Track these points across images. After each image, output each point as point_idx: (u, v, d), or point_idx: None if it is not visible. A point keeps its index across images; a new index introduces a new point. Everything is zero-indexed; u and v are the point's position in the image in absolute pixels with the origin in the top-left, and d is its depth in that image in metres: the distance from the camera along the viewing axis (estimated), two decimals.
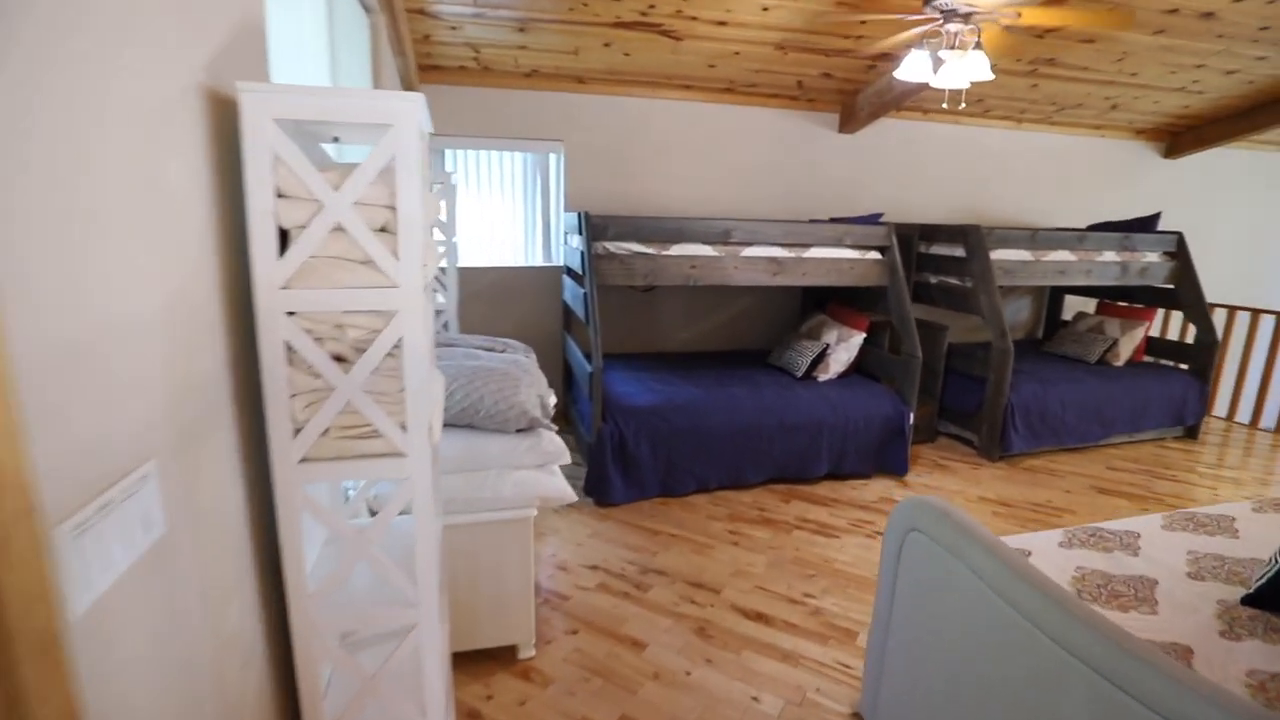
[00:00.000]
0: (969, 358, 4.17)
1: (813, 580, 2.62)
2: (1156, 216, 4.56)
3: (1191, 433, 4.49)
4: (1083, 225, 5.32)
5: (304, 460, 1.11)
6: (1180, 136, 5.46)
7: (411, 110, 1.02)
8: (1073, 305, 5.49)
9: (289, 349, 1.06)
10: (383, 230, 1.08)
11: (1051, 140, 5.24)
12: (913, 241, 4.39)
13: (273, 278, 1.02)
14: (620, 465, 3.20)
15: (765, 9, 3.21)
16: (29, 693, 0.56)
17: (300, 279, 1.04)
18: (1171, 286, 4.57)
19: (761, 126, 4.54)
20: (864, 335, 3.88)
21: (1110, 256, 4.32)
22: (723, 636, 2.25)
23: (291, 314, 1.05)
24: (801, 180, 4.71)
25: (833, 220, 4.19)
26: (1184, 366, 4.62)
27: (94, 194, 0.68)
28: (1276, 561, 1.50)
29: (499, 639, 2.05)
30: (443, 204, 3.35)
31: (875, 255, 3.77)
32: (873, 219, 3.93)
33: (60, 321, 0.62)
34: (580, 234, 3.41)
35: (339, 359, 1.11)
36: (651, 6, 3.20)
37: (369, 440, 1.15)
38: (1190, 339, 4.90)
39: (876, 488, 3.53)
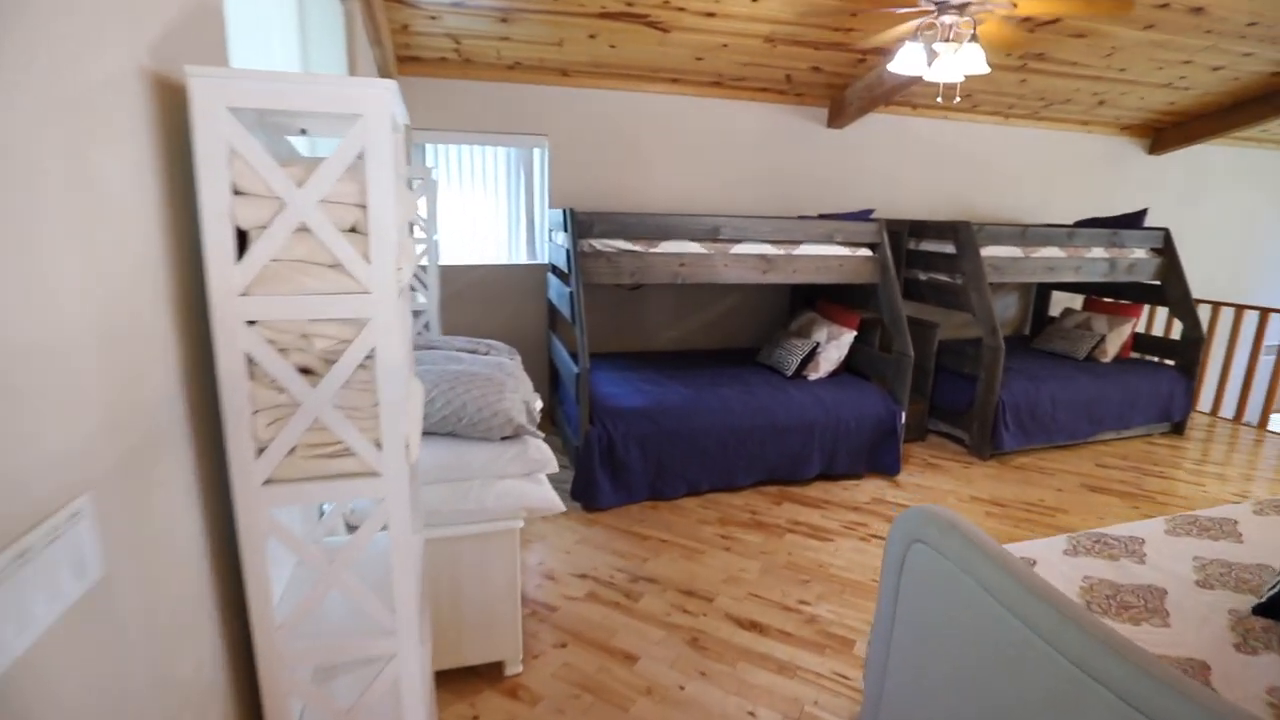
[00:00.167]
0: (959, 355, 4.14)
1: (807, 586, 2.56)
2: (1143, 213, 4.56)
3: (1178, 429, 4.50)
4: (1068, 221, 5.33)
5: (269, 482, 1.01)
6: (1165, 133, 5.48)
7: (382, 98, 0.93)
8: (1059, 301, 5.50)
9: (250, 361, 0.97)
10: (353, 231, 0.99)
11: (1038, 136, 5.22)
12: (902, 238, 4.34)
13: (230, 284, 0.92)
14: (608, 469, 3.12)
15: (754, 0, 3.13)
16: None
17: (261, 285, 0.95)
18: (1158, 283, 4.57)
19: (750, 121, 4.47)
20: (854, 333, 3.83)
21: (1099, 253, 4.31)
22: (717, 647, 2.18)
23: (252, 323, 0.95)
24: (790, 176, 4.64)
25: (822, 216, 4.13)
26: (1170, 362, 4.63)
27: (2, 193, 0.59)
28: None
29: (485, 656, 1.97)
30: (423, 200, 3.24)
31: (866, 252, 3.72)
32: (863, 215, 3.88)
33: None
34: (565, 231, 3.32)
35: (306, 371, 1.02)
36: None
37: (340, 459, 1.06)
38: (1175, 335, 4.93)
39: (869, 488, 3.49)
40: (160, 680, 0.84)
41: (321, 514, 1.71)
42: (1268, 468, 4.06)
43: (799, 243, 3.57)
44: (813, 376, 3.77)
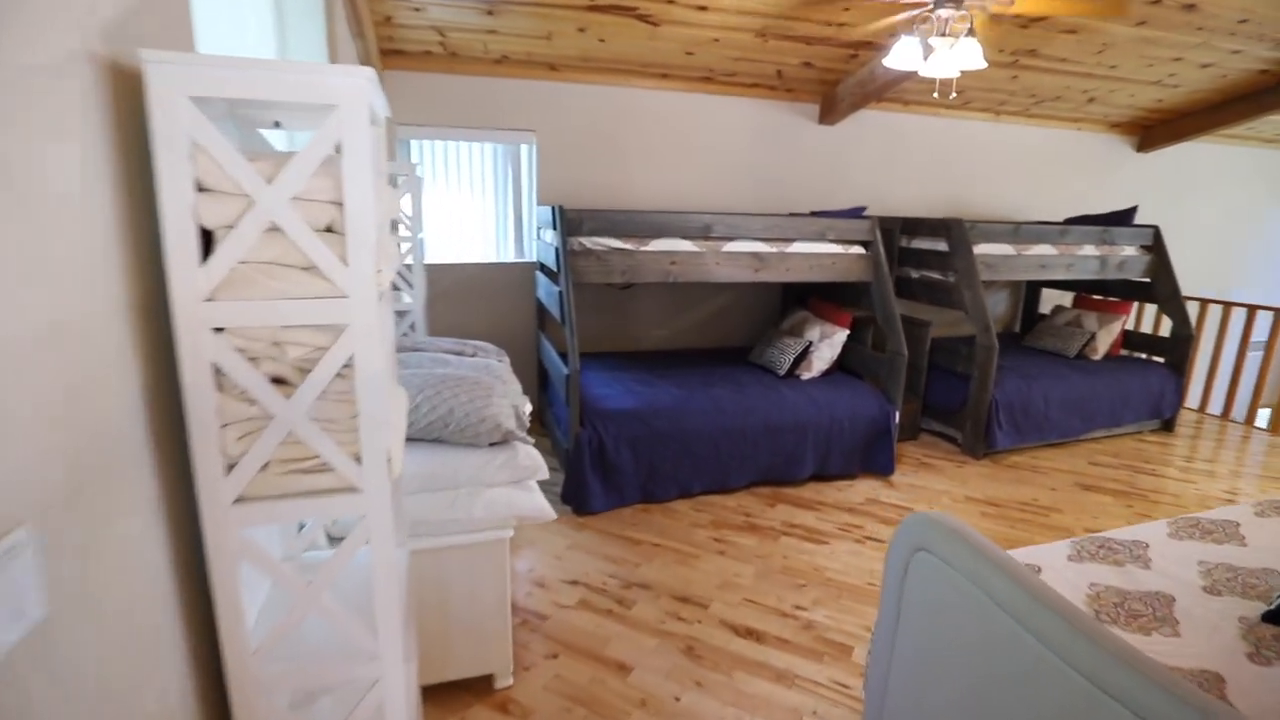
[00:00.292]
0: (952, 354, 4.11)
1: (803, 591, 2.51)
2: (1133, 210, 4.56)
3: (1168, 425, 4.51)
4: (1058, 218, 5.32)
5: (240, 501, 0.94)
6: (1153, 130, 5.49)
7: (359, 88, 0.86)
8: (1049, 298, 5.50)
9: (217, 372, 0.90)
10: (328, 230, 0.92)
11: (1028, 133, 5.21)
12: (894, 235, 4.31)
13: (194, 288, 0.85)
14: (599, 472, 3.06)
15: None
16: None
17: (228, 289, 0.87)
18: (1148, 280, 4.58)
19: (740, 117, 4.41)
20: (847, 332, 3.79)
21: (1090, 250, 4.30)
22: (712, 656, 2.13)
23: (219, 330, 0.88)
24: (780, 173, 4.59)
25: (814, 214, 4.08)
26: (1160, 360, 4.64)
27: None
28: None
29: (474, 669, 1.90)
30: (408, 198, 3.15)
31: (859, 250, 3.68)
32: (855, 212, 3.84)
33: None
34: (554, 229, 3.25)
35: (279, 382, 0.95)
36: None
37: (317, 475, 0.99)
38: (1163, 332, 4.94)
39: (863, 488, 3.45)
40: (118, 717, 0.77)
41: (301, 527, 1.63)
42: (1256, 464, 4.07)
43: (791, 240, 3.52)
44: (806, 376, 3.72)
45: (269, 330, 0.91)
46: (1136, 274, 4.50)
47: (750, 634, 2.25)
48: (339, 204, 0.91)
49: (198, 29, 1.14)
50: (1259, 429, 4.65)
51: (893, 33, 3.06)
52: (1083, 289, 5.08)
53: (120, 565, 0.81)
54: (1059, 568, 1.64)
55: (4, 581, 0.57)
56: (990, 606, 1.32)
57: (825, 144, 4.64)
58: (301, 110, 1.02)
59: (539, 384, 4.21)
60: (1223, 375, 4.89)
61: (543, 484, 1.97)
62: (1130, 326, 5.01)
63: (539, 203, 4.13)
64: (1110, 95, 4.69)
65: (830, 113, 4.47)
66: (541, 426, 4.05)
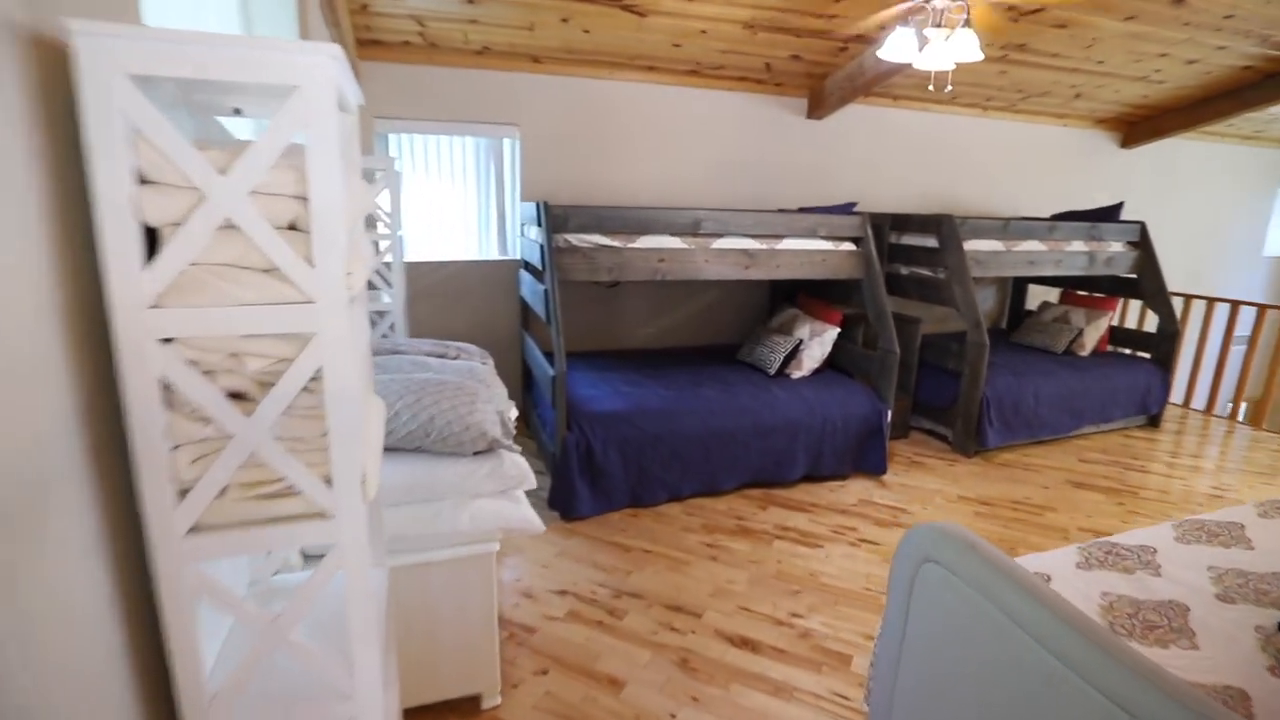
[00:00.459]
0: (942, 351, 4.08)
1: (798, 597, 2.45)
2: (1119, 206, 4.55)
3: (1154, 421, 4.52)
4: (1044, 214, 5.32)
5: (195, 530, 0.84)
6: (1137, 126, 5.51)
7: (323, 67, 0.76)
8: (1035, 294, 5.50)
9: (166, 387, 0.80)
10: (292, 228, 0.83)
11: (1015, 129, 5.20)
12: (884, 232, 4.26)
13: (137, 294, 0.75)
14: (587, 476, 2.97)
15: None
16: None
17: (178, 294, 0.77)
18: (1134, 276, 4.58)
19: (728, 111, 4.34)
20: (838, 330, 3.73)
21: (1078, 246, 4.29)
22: (708, 669, 2.05)
23: (168, 341, 0.78)
24: (768, 168, 4.53)
25: (803, 210, 4.02)
26: (1145, 355, 4.64)
27: None
28: None
29: (459, 689, 1.81)
30: (387, 193, 3.03)
31: (850, 246, 3.62)
32: (846, 208, 3.78)
33: None
34: (539, 225, 3.15)
35: (238, 397, 0.85)
36: None
37: (283, 500, 0.89)
38: (1148, 327, 4.95)
39: (855, 489, 3.40)
40: None
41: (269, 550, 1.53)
42: (1241, 459, 4.09)
43: (782, 237, 3.46)
44: (796, 375, 3.66)
45: (225, 340, 0.81)
46: (1124, 270, 4.50)
47: (746, 644, 2.18)
48: (304, 199, 0.81)
49: (148, 9, 1.04)
50: (1241, 424, 4.68)
51: (883, 26, 3.00)
52: (1069, 285, 5.08)
53: (53, 608, 0.71)
54: (1069, 576, 1.59)
55: None
56: (1004, 621, 1.26)
57: (813, 139, 4.58)
58: (262, 94, 0.92)
59: (523, 385, 4.10)
60: (1206, 371, 4.92)
61: (529, 489, 1.88)
62: (1115, 322, 5.01)
63: (523, 198, 4.02)
64: (1097, 91, 4.68)
65: (819, 107, 4.41)
66: (526, 428, 3.95)
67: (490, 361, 2.32)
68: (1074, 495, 3.41)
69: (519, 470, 1.77)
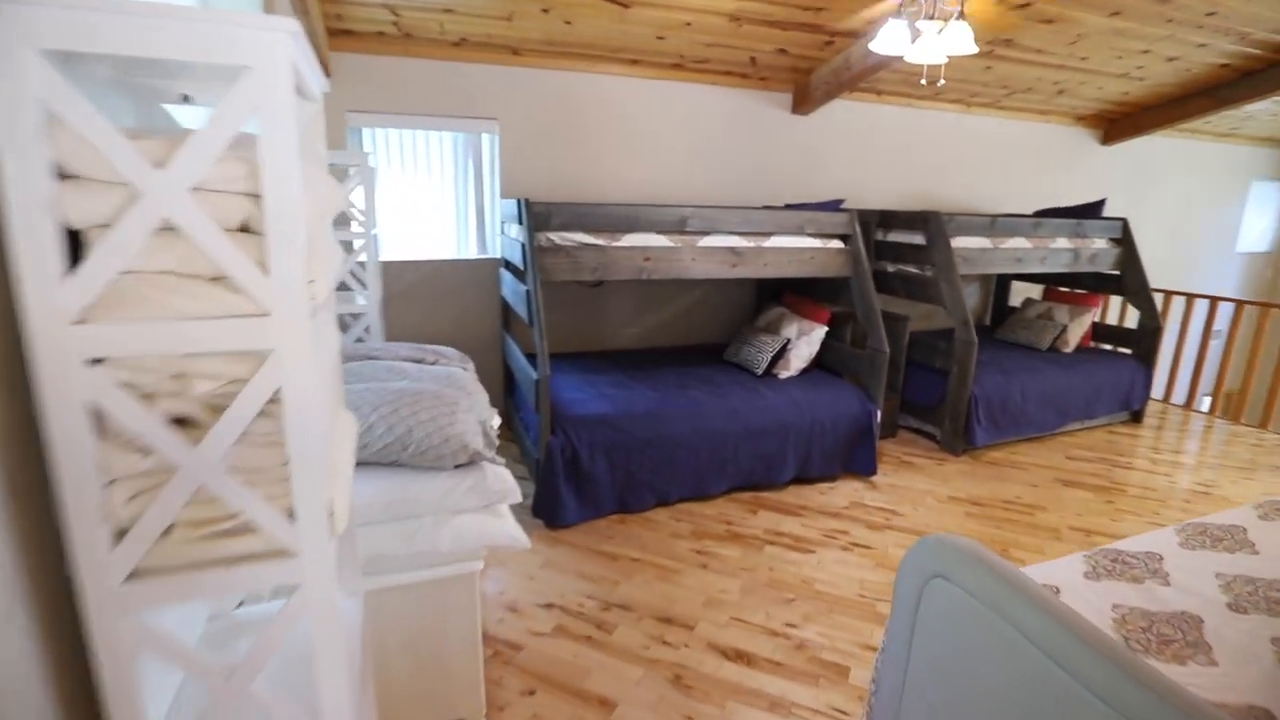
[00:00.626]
0: (929, 349, 4.04)
1: (792, 606, 2.38)
2: (1102, 203, 4.56)
3: (1136, 417, 4.54)
4: (1026, 210, 5.32)
5: (134, 576, 0.74)
6: (1117, 123, 5.53)
7: (277, 43, 0.66)
8: (1018, 291, 5.50)
9: (98, 414, 0.69)
10: (243, 230, 0.72)
11: (998, 125, 5.19)
12: (871, 229, 4.21)
13: (58, 307, 0.64)
14: (573, 482, 2.88)
15: None
16: None
17: (108, 307, 0.67)
18: (1117, 272, 4.59)
19: (712, 106, 4.25)
20: (826, 329, 3.68)
21: (1063, 243, 4.28)
22: (702, 685, 1.97)
23: (97, 361, 0.68)
24: (754, 164, 4.45)
25: (789, 206, 3.96)
26: (1127, 351, 4.66)
27: None
28: None
29: (442, 715, 1.71)
30: (360, 190, 2.91)
31: (837, 244, 3.56)
32: (833, 205, 3.72)
33: None
34: (520, 223, 3.04)
35: (184, 423, 0.74)
36: None
37: (239, 538, 0.79)
38: (1129, 323, 4.98)
39: (845, 490, 3.34)
40: None
41: None
42: (1221, 453, 4.12)
43: (769, 234, 3.39)
44: (784, 375, 3.60)
45: (167, 360, 0.71)
46: (1107, 266, 4.50)
47: (740, 657, 2.10)
48: (256, 196, 0.71)
49: None
50: (1221, 419, 4.73)
51: (873, 20, 2.94)
52: (1052, 282, 5.09)
53: None
54: (1078, 587, 1.53)
55: None
56: (1017, 638, 1.19)
57: (798, 134, 4.52)
58: (212, 77, 0.81)
59: (505, 388, 3.99)
60: (1186, 366, 4.96)
61: (514, 503, 1.78)
62: (1097, 319, 5.03)
63: (503, 195, 3.90)
64: (1079, 87, 4.68)
65: (804, 102, 4.34)
66: (508, 431, 3.84)
67: (471, 366, 2.22)
68: (1063, 494, 3.39)
69: (503, 484, 1.67)
